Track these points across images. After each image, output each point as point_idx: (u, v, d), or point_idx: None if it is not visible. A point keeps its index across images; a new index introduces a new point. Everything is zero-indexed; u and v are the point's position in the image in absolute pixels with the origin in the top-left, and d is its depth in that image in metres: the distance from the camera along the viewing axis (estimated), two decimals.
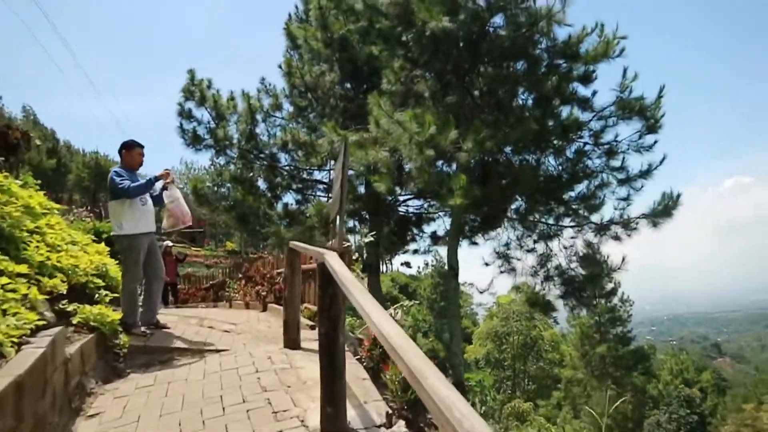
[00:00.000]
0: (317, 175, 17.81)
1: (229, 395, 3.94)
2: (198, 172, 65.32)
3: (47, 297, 4.60)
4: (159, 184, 5.97)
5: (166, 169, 5.96)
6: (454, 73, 12.50)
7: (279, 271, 10.16)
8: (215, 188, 19.41)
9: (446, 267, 12.68)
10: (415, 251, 19.18)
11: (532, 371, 44.98)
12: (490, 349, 45.67)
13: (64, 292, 4.81)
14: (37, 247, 4.92)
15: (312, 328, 6.56)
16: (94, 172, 59.41)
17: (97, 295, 6.01)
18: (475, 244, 16.36)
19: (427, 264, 19.19)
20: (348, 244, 6.12)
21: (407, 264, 35.08)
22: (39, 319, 3.72)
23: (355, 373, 4.24)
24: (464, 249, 18.02)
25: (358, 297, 2.09)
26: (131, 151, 5.87)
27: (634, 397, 34.97)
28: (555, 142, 12.20)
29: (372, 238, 9.14)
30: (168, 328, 6.01)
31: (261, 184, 17.37)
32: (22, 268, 4.25)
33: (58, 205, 6.63)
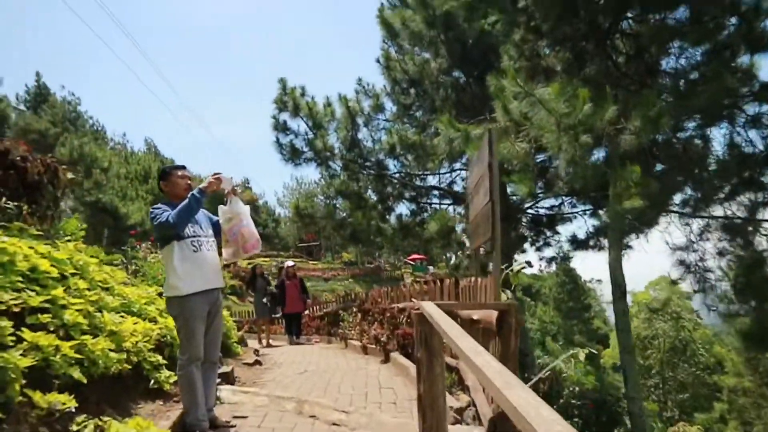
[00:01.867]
0: (432, 181, 15.71)
1: None
2: (308, 187, 66.34)
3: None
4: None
5: (216, 174, 4.06)
6: (591, 38, 9.91)
7: (400, 306, 8.12)
8: (326, 203, 17.96)
9: (611, 284, 10.02)
10: (552, 259, 16.51)
11: (683, 378, 39.94)
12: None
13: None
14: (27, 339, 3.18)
15: (458, 414, 4.40)
16: (210, 196, 61.01)
17: (153, 380, 4.26)
18: (629, 247, 13.54)
19: (550, 260, 16.74)
20: (509, 299, 3.94)
21: (528, 263, 31.99)
22: None
23: None
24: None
25: None
26: (170, 177, 4.05)
27: None
28: (745, 107, 9.22)
29: (525, 265, 6.85)
30: (232, 426, 4.08)
31: (370, 195, 15.59)
32: None
33: (105, 257, 4.98)
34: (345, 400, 5.15)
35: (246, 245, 4.13)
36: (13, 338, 3.06)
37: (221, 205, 4.22)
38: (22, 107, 54.04)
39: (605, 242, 14.99)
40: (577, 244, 15.53)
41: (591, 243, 15.22)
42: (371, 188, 15.63)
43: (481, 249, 5.21)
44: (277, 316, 13.41)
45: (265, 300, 12.34)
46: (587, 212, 15.00)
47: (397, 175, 15.13)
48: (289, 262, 13.59)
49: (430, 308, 3.06)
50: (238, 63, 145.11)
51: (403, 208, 16.66)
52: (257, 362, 7.80)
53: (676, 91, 8.65)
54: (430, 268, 62.73)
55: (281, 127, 14.72)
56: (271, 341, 12.32)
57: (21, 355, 3.05)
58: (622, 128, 7.44)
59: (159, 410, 4.04)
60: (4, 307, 3.11)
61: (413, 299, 7.80)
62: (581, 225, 15.41)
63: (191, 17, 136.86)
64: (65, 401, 3.05)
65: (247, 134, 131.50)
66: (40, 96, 57.42)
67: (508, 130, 8.50)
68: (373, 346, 8.20)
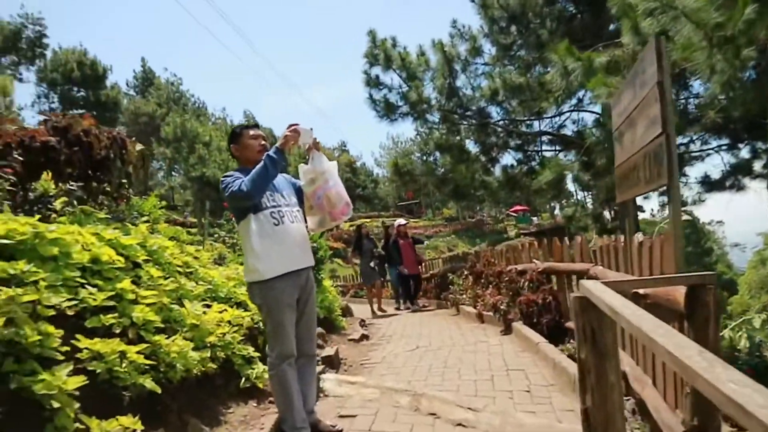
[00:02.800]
0: (539, 126, 14.31)
1: None
2: (405, 145, 65.51)
3: None
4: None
5: (292, 126, 3.27)
6: None
7: (520, 268, 7.15)
8: (424, 159, 17.09)
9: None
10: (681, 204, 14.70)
11: None
12: (766, 302, 37.84)
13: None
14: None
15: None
16: None
17: (243, 378, 3.65)
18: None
19: (663, 205, 14.94)
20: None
21: (639, 208, 29.76)
22: None
23: None
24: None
25: None
26: (240, 139, 3.32)
27: None
28: None
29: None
30: (339, 431, 3.38)
31: (472, 147, 14.49)
32: None
33: (187, 237, 4.41)
34: (468, 389, 4.34)
35: (334, 211, 3.36)
36: (67, 348, 2.48)
37: (302, 164, 3.46)
38: (132, 92, 57.11)
39: (746, 181, 13.11)
40: (711, 185, 13.67)
41: (728, 183, 13.32)
42: (473, 139, 14.51)
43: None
44: (388, 279, 12.55)
45: (372, 264, 11.24)
46: (723, 148, 13.09)
47: (501, 123, 13.88)
48: (401, 220, 12.52)
49: (601, 292, 2.12)
50: (324, 22, 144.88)
51: (508, 159, 15.45)
52: (364, 337, 7.19)
53: None
54: (534, 219, 60.75)
55: (373, 83, 13.85)
56: (383, 307, 11.47)
57: (78, 367, 2.47)
58: None
59: (252, 414, 3.43)
60: (52, 312, 2.52)
61: (534, 260, 6.82)
62: (716, 163, 13.43)
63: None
64: (129, 424, 2.43)
65: (340, 96, 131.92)
66: (146, 80, 60.49)
67: (636, 55, 7.13)
68: (491, 314, 7.33)
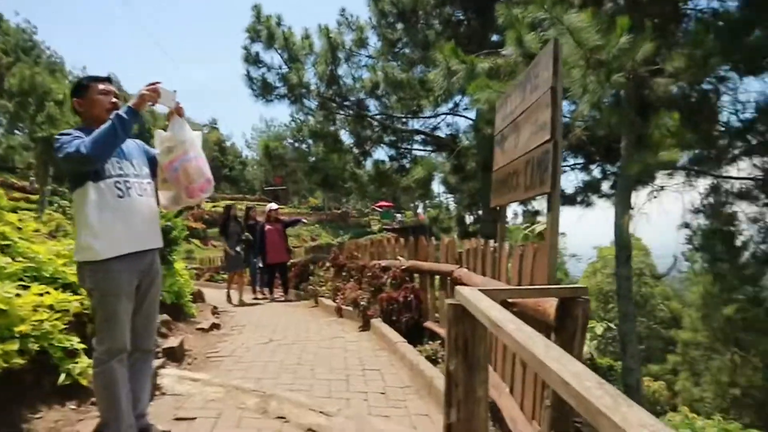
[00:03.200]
0: (415, 124, 14.44)
1: None
2: (278, 129, 64.11)
3: None
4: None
5: (151, 84, 2.81)
6: None
7: (384, 264, 7.03)
8: (296, 146, 16.61)
9: (616, 245, 9.03)
10: (536, 213, 15.61)
11: (640, 332, 40.60)
12: (594, 308, 41.73)
13: None
14: None
15: None
16: None
17: (63, 375, 3.10)
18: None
19: (534, 214, 15.84)
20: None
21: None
22: None
23: None
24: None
25: None
26: (87, 92, 2.79)
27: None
28: None
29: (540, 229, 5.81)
30: None
31: (346, 138, 14.30)
32: None
33: (6, 202, 3.73)
34: (322, 389, 4.08)
35: (191, 186, 2.93)
36: None
37: (159, 131, 3.00)
38: None
39: (594, 198, 14.16)
40: (563, 199, 14.64)
41: (579, 199, 14.34)
42: (348, 130, 14.35)
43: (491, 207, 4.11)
44: (259, 266, 11.34)
45: (238, 248, 10.09)
46: (577, 166, 14.03)
47: (378, 117, 13.82)
48: (273, 205, 11.33)
49: (479, 301, 1.95)
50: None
51: (381, 154, 15.51)
52: (214, 326, 6.69)
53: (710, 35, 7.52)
54: (398, 215, 62.17)
55: (253, 59, 13.21)
56: (244, 299, 10.19)
57: None
58: (658, 70, 6.36)
59: (67, 419, 2.89)
60: None
61: (399, 258, 6.74)
62: (571, 179, 14.32)
63: None
64: None
65: (216, 74, 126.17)
66: None
67: (517, 67, 7.31)
68: (350, 308, 7.15)
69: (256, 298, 11.08)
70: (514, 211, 15.77)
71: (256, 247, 10.59)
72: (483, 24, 11.93)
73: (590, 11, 5.78)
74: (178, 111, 2.96)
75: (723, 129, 9.56)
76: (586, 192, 14.14)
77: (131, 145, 2.90)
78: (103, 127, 2.55)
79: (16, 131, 38.37)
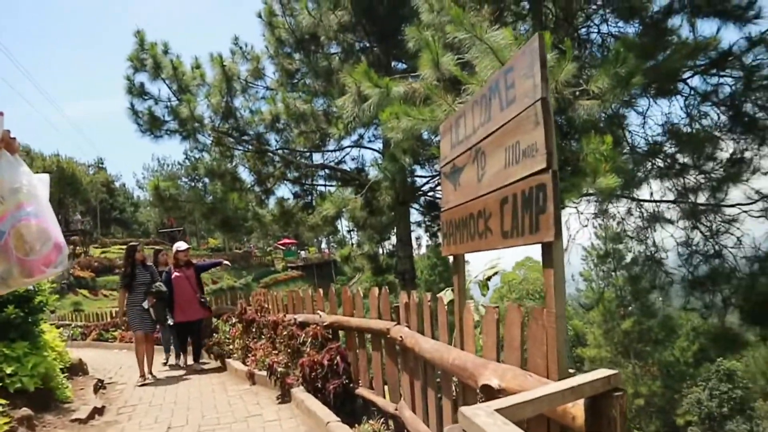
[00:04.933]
0: (320, 158, 13.66)
1: None
2: (172, 168, 61.06)
3: None
4: None
5: None
6: None
7: (301, 319, 6.09)
8: (192, 185, 15.36)
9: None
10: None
11: None
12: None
13: None
14: None
15: None
16: (57, 178, 54.74)
17: None
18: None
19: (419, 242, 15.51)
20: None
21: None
22: None
23: None
24: None
25: None
26: None
27: (663, 373, 32.77)
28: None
29: (498, 268, 5.12)
30: None
31: (246, 175, 13.26)
32: None
33: None
34: None
35: (30, 259, 1.98)
36: None
37: None
38: None
39: None
40: None
41: None
42: (248, 167, 13.32)
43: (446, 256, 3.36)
44: (170, 323, 8.50)
45: (146, 305, 7.79)
46: None
47: (279, 152, 12.91)
48: (181, 244, 8.79)
49: None
50: (85, 27, 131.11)
51: (284, 191, 14.59)
52: (96, 412, 5.44)
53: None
54: (302, 252, 60.90)
55: (137, 91, 11.88)
56: (153, 373, 7.85)
57: None
58: (581, 90, 6.00)
59: None
60: None
61: (319, 312, 5.84)
62: None
63: None
64: None
65: (100, 110, 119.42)
66: None
67: (433, 92, 6.74)
68: (263, 373, 6.12)
69: (166, 363, 9.25)
70: (417, 237, 15.24)
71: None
72: (386, 51, 11.46)
73: (510, 30, 5.31)
74: (7, 144, 2.01)
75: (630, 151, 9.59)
76: None
77: None
78: None
79: None
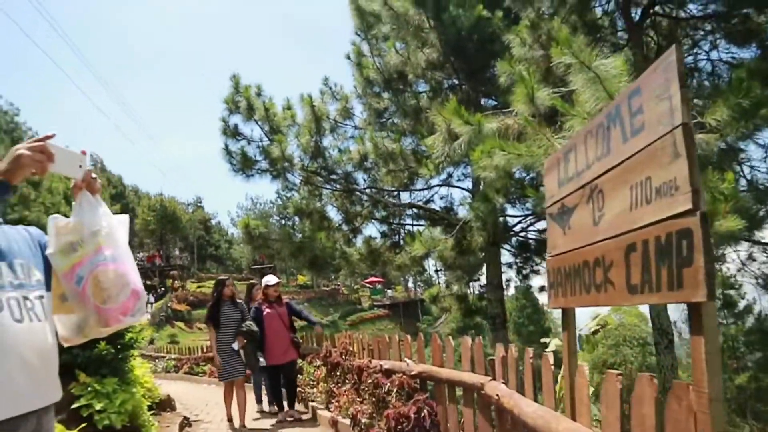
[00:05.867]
0: (406, 197, 13.49)
1: None
2: (264, 206, 63.26)
3: None
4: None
5: (43, 137, 1.74)
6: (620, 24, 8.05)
7: (387, 366, 5.76)
8: (282, 223, 15.63)
9: (654, 329, 7.86)
10: (542, 288, 14.53)
11: None
12: (599, 383, 39.82)
13: None
14: None
15: None
16: (159, 215, 58.17)
17: None
18: None
19: (541, 289, 14.76)
20: None
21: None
22: None
23: None
24: None
25: None
26: None
27: None
28: None
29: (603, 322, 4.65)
30: None
31: (334, 214, 13.28)
32: None
33: None
34: None
35: (107, 308, 1.80)
36: None
37: (54, 217, 1.87)
38: None
39: None
40: None
41: None
42: (336, 206, 13.35)
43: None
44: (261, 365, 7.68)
45: (235, 346, 7.02)
46: None
47: (367, 191, 12.86)
48: (271, 278, 7.90)
49: None
50: (185, 68, 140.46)
51: (371, 230, 14.51)
52: None
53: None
54: (388, 291, 60.82)
55: (231, 132, 12.31)
56: (245, 424, 7.08)
57: None
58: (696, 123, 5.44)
59: None
60: None
61: (406, 360, 5.50)
62: None
63: (135, 26, 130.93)
64: None
65: (199, 150, 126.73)
66: None
67: (530, 124, 6.36)
68: (347, 422, 5.83)
69: (261, 410, 8.42)
70: (507, 278, 14.56)
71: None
72: (475, 87, 11.21)
73: (622, 58, 4.90)
74: (88, 184, 1.87)
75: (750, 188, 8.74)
76: None
77: (12, 235, 1.79)
78: None
79: None
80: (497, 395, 3.43)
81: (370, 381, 5.63)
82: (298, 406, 7.91)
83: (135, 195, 69.25)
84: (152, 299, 43.58)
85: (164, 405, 7.68)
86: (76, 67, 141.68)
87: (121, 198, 61.57)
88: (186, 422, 7.20)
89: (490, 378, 3.77)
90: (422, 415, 4.66)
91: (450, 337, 4.65)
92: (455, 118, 6.31)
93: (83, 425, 4.76)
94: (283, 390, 7.71)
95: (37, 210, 27.09)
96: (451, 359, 4.62)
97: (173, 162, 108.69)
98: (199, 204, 72.56)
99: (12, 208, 26.22)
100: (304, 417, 7.49)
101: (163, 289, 48.87)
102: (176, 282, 49.24)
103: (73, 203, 1.87)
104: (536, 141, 5.56)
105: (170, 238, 62.01)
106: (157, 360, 19.73)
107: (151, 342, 28.65)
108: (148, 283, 50.82)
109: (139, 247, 67.40)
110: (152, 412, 6.96)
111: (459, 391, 4.60)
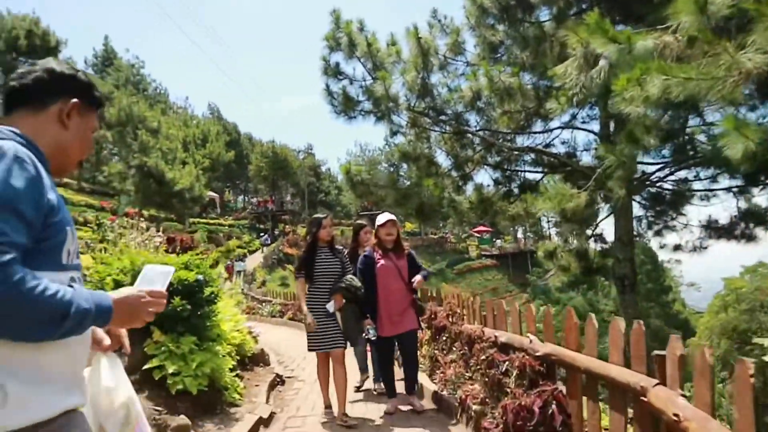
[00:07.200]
0: (524, 141, 12.15)
1: None
2: (373, 153, 62.99)
3: None
4: None
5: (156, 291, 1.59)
6: None
7: (504, 339, 4.75)
8: (391, 170, 14.94)
9: None
10: (677, 247, 12.80)
11: None
12: (727, 350, 36.23)
13: None
14: None
15: None
16: (271, 161, 59.72)
17: None
18: None
19: (675, 248, 12.90)
20: None
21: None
22: None
23: None
24: None
25: None
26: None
27: None
28: None
29: None
30: None
31: (443, 159, 12.22)
32: None
33: None
34: None
35: None
36: None
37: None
38: (90, 71, 53.67)
39: (758, 231, 11.20)
40: (717, 231, 11.75)
41: (737, 231, 11.41)
42: (445, 150, 12.26)
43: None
44: (369, 338, 5.47)
45: (331, 308, 5.19)
46: (734, 189, 11.14)
47: (480, 133, 11.66)
48: (385, 216, 5.55)
49: None
50: (295, 22, 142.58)
51: (483, 176, 13.33)
52: (260, 423, 4.73)
53: None
54: (498, 241, 59.33)
55: (332, 71, 11.47)
56: (346, 411, 5.18)
57: None
58: None
59: None
60: None
61: (528, 335, 4.46)
62: (729, 205, 11.47)
63: None
64: None
65: (308, 100, 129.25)
66: (106, 59, 57.48)
67: (691, 47, 4.93)
68: (456, 404, 4.95)
69: (361, 389, 6.64)
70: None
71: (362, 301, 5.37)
72: (609, 10, 9.51)
73: None
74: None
75: None
76: (746, 222, 11.25)
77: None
78: (59, 297, 1.23)
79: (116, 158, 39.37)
80: (676, 415, 2.36)
81: (483, 358, 4.67)
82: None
83: (249, 142, 71.47)
84: (268, 241, 45.35)
85: (257, 359, 7.25)
86: (195, 29, 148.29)
87: (236, 145, 63.73)
88: (278, 380, 6.70)
89: (656, 382, 2.70)
90: (549, 410, 3.67)
91: (593, 319, 3.50)
92: (596, 37, 4.96)
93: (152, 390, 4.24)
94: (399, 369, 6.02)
95: (155, 156, 28.16)
96: (594, 346, 3.52)
97: (286, 113, 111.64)
98: (309, 151, 73.75)
99: (132, 156, 27.40)
100: (426, 406, 5.59)
101: (276, 232, 50.62)
102: (288, 227, 50.83)
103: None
104: (715, 59, 4.17)
105: (282, 184, 63.74)
106: (264, 303, 19.99)
107: (263, 283, 29.39)
108: (261, 226, 52.80)
109: (253, 192, 70.08)
110: (247, 366, 6.51)
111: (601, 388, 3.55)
